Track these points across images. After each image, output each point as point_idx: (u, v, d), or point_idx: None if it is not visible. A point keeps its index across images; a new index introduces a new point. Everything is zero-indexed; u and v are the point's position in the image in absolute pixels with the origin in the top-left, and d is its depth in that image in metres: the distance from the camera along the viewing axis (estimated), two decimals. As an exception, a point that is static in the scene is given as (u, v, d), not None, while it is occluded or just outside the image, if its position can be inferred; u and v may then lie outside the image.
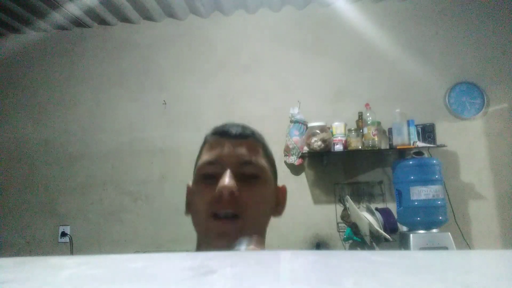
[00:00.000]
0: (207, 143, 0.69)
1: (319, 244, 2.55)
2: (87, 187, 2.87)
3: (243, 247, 0.51)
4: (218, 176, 0.62)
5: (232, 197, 0.60)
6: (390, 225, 2.28)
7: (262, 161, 0.67)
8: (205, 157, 0.66)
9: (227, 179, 0.60)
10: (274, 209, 0.69)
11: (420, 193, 2.23)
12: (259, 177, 0.65)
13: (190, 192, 0.69)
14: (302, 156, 2.60)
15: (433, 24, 2.74)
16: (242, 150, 0.65)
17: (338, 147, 2.48)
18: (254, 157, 0.65)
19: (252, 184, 0.64)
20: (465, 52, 2.69)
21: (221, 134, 0.68)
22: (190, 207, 0.69)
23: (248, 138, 0.68)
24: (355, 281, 0.20)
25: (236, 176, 0.62)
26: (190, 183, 0.70)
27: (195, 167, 0.69)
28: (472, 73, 2.66)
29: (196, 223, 0.66)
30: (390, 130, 2.56)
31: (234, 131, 0.67)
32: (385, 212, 2.34)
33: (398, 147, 2.43)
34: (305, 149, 2.51)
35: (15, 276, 0.22)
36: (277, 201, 0.71)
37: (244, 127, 0.70)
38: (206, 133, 0.71)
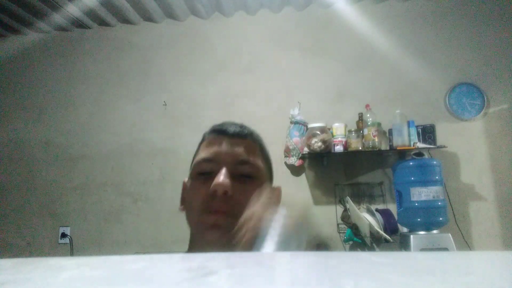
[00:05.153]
0: (205, 141, 0.70)
1: (319, 245, 2.55)
2: (87, 188, 2.87)
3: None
4: (214, 174, 0.62)
5: (226, 196, 0.60)
6: (390, 226, 2.28)
7: (258, 162, 0.67)
8: (202, 154, 0.67)
9: (222, 177, 0.60)
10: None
11: (421, 194, 2.23)
12: (254, 177, 0.65)
13: (186, 188, 0.70)
14: (302, 157, 2.60)
15: (434, 25, 2.74)
16: (239, 150, 0.66)
17: (338, 148, 2.47)
18: (251, 157, 0.66)
19: (247, 183, 0.64)
20: (465, 53, 2.69)
21: (219, 132, 0.69)
22: (184, 203, 0.69)
23: (246, 137, 0.68)
24: (355, 283, 0.20)
25: (231, 174, 0.62)
26: (186, 179, 0.71)
27: (191, 164, 0.70)
28: (473, 74, 2.66)
29: (189, 218, 0.66)
30: (390, 131, 2.56)
31: (232, 130, 0.68)
32: (386, 213, 2.34)
33: (398, 148, 2.43)
34: (305, 150, 2.51)
35: (15, 277, 0.22)
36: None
37: (242, 127, 0.70)
38: (205, 131, 0.72)
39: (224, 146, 0.66)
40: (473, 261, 0.29)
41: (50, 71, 3.08)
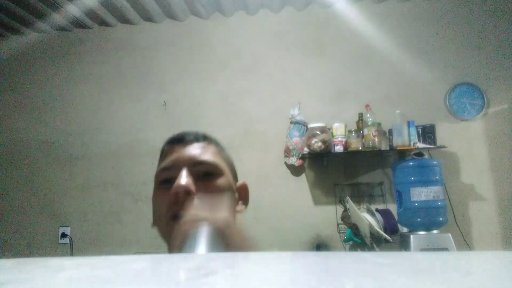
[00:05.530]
0: (163, 152, 0.73)
1: (320, 245, 2.55)
2: (88, 188, 2.87)
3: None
4: (174, 180, 0.64)
5: (189, 196, 0.61)
6: (390, 226, 2.28)
7: (216, 160, 0.69)
8: (161, 164, 0.69)
9: (181, 179, 0.62)
10: (234, 205, 0.71)
11: (421, 194, 2.23)
12: (213, 174, 0.67)
13: (152, 202, 0.71)
14: (303, 157, 2.60)
15: (434, 25, 2.74)
16: (195, 152, 0.68)
17: (339, 148, 2.48)
18: (207, 156, 0.68)
19: (207, 181, 0.66)
20: (466, 53, 2.69)
21: (174, 141, 0.72)
22: (154, 217, 0.70)
23: (200, 141, 0.71)
24: (356, 283, 0.20)
25: (191, 176, 0.64)
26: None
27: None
28: (473, 74, 2.66)
29: (160, 230, 0.67)
30: (390, 131, 2.56)
31: (186, 137, 0.71)
32: (386, 213, 2.34)
33: (398, 148, 2.43)
34: (305, 150, 2.51)
35: (15, 277, 0.22)
36: (239, 198, 0.74)
37: (197, 133, 0.73)
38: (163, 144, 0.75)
39: (180, 152, 0.68)
40: (473, 261, 0.29)
41: (50, 71, 3.08)
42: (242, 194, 0.75)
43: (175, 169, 0.65)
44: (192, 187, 0.62)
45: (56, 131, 2.99)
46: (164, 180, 0.67)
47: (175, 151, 0.69)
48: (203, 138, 0.73)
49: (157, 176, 0.69)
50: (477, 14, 2.71)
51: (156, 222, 0.69)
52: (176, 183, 0.62)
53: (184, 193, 0.61)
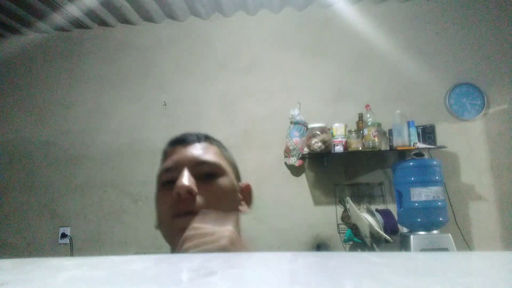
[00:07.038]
0: (165, 154, 0.72)
1: (320, 246, 2.55)
2: (88, 188, 2.87)
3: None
4: (176, 181, 0.63)
5: (191, 196, 0.62)
6: (390, 226, 2.28)
7: (218, 160, 0.69)
8: (163, 165, 0.69)
9: (183, 179, 0.62)
10: (237, 205, 0.71)
11: (421, 194, 2.23)
12: (215, 174, 0.67)
13: (155, 203, 0.71)
14: (303, 157, 2.60)
15: (433, 25, 2.75)
16: (196, 152, 0.68)
17: (339, 148, 2.48)
18: (208, 156, 0.68)
19: (210, 181, 0.66)
20: (465, 53, 2.69)
21: (176, 142, 0.72)
22: (158, 219, 0.70)
23: (202, 142, 0.71)
24: (356, 283, 0.20)
25: (193, 176, 0.64)
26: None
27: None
28: (473, 74, 2.66)
29: (163, 230, 0.67)
30: (390, 131, 2.56)
31: (188, 138, 0.71)
32: (386, 213, 2.34)
33: (398, 148, 2.43)
34: (306, 150, 2.51)
35: (15, 277, 0.22)
36: (242, 198, 0.73)
37: (198, 134, 0.73)
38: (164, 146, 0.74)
39: (182, 153, 0.68)
40: (473, 262, 0.29)
41: (50, 71, 3.08)
42: (245, 195, 0.74)
43: (177, 169, 0.65)
44: (194, 187, 0.62)
45: (56, 131, 2.99)
46: (166, 181, 0.66)
47: (176, 152, 0.69)
48: (205, 138, 0.72)
49: (159, 177, 0.69)
50: (477, 14, 2.71)
51: (159, 223, 0.68)
52: (177, 183, 0.62)
53: (186, 193, 0.61)
